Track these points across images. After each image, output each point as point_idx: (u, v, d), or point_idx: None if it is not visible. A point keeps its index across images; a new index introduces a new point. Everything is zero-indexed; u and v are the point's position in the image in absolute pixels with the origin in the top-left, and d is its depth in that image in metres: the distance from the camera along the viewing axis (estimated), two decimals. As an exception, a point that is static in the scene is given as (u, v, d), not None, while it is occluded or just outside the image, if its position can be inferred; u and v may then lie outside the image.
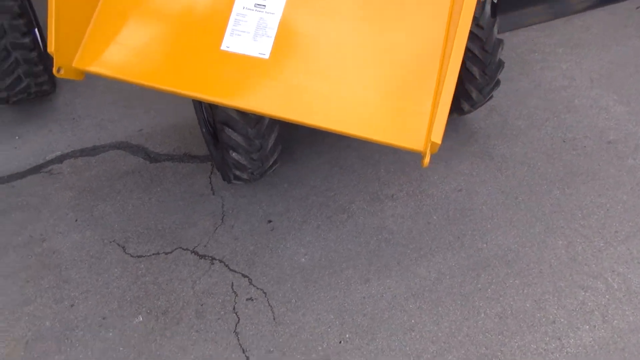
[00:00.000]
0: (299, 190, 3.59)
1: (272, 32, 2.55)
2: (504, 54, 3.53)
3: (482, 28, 3.40)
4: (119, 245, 3.28)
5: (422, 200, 3.52)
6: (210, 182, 3.63)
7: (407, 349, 2.80)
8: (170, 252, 3.24)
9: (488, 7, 3.46)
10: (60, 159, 3.80)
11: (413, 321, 2.92)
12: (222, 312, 2.96)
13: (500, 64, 3.56)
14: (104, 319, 2.94)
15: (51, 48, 2.45)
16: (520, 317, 2.90)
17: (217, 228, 3.37)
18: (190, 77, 2.56)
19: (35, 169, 3.74)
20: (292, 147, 3.84)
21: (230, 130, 3.02)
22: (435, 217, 3.43)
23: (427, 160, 2.27)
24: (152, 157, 3.81)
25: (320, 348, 2.82)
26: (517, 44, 4.78)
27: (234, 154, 3.12)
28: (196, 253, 3.24)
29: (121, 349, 2.82)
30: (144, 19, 2.69)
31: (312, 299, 3.02)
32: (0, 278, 3.13)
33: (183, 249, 3.26)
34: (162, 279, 3.11)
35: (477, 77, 3.50)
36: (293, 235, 3.33)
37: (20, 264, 3.19)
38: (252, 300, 3.02)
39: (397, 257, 3.21)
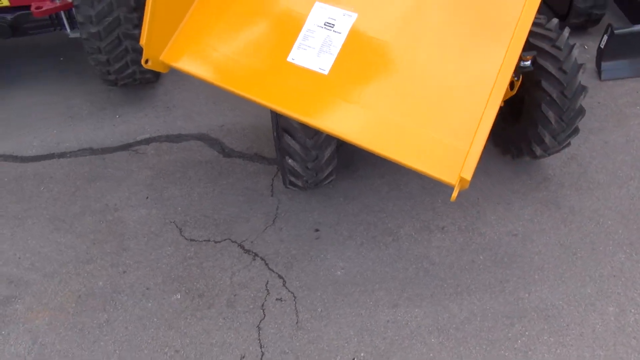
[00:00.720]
0: (353, 206, 3.66)
1: (336, 50, 2.68)
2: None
3: (564, 72, 3.28)
4: (177, 226, 3.56)
5: (472, 237, 3.45)
6: (272, 184, 3.82)
7: (418, 381, 2.77)
8: (220, 242, 3.46)
9: (575, 52, 3.33)
10: (147, 141, 4.20)
11: (431, 355, 2.88)
12: (251, 306, 3.12)
13: (581, 112, 3.40)
14: (147, 289, 3.22)
15: (142, 41, 2.76)
16: (546, 376, 2.76)
17: (267, 227, 3.54)
18: (257, 83, 2.75)
19: (125, 147, 4.16)
20: (356, 164, 3.93)
21: (289, 137, 3.18)
22: (481, 257, 3.34)
23: (455, 194, 2.26)
24: (226, 152, 4.08)
25: (332, 360, 2.88)
26: (620, 95, 4.49)
27: (290, 161, 3.28)
28: (242, 247, 3.43)
29: (155, 319, 3.07)
30: (227, 25, 2.93)
31: (337, 312, 3.08)
32: (74, 235, 3.53)
33: (232, 240, 3.47)
34: (206, 265, 3.33)
35: (553, 122, 3.37)
36: (335, 247, 3.41)
37: (93, 227, 3.58)
38: (281, 301, 3.15)
39: (431, 288, 3.18)
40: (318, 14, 2.78)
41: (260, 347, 2.94)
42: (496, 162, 3.91)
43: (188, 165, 3.99)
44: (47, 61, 5.05)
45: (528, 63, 3.30)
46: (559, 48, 3.31)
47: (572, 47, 3.34)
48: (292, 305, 3.12)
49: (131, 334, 3.01)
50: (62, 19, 4.32)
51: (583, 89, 3.35)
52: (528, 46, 3.37)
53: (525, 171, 3.85)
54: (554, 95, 3.31)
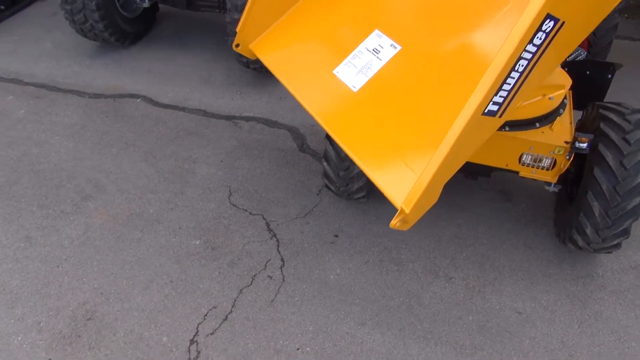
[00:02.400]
0: (379, 228, 3.82)
1: (371, 73, 2.94)
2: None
3: (624, 168, 3.05)
4: (229, 190, 4.10)
5: (473, 298, 3.38)
6: (322, 186, 4.14)
7: (339, 392, 2.89)
8: (253, 215, 3.91)
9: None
10: (247, 119, 4.84)
11: (365, 378, 2.96)
12: (245, 273, 3.50)
13: (633, 215, 3.12)
14: (179, 228, 3.80)
15: (238, 27, 3.33)
16: None
17: (297, 217, 3.89)
18: (306, 87, 3.14)
19: (229, 117, 4.85)
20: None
21: (328, 143, 3.50)
22: (470, 318, 3.26)
23: (393, 221, 2.36)
24: (303, 148, 4.52)
25: (280, 343, 3.13)
26: None
27: (325, 164, 3.59)
28: (268, 225, 3.83)
29: (171, 252, 3.63)
30: (307, 33, 3.35)
31: (309, 307, 3.31)
32: (155, 170, 4.28)
33: (263, 217, 3.89)
34: (232, 227, 3.81)
35: (597, 215, 3.15)
36: (342, 256, 3.62)
37: (171, 168, 4.30)
38: (271, 279, 3.47)
39: (404, 324, 3.22)
40: (372, 39, 3.06)
41: (232, 306, 3.31)
42: (544, 241, 3.72)
43: (267, 147, 4.51)
44: (212, 37, 6.02)
45: (584, 145, 3.16)
46: (627, 142, 3.08)
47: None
48: (277, 286, 3.43)
49: (148, 255, 3.61)
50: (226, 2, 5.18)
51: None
52: (596, 128, 3.21)
53: (572, 261, 3.60)
54: (604, 187, 3.09)
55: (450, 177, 2.44)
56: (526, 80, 2.32)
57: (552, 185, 3.47)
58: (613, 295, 3.40)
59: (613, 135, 3.13)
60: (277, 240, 3.73)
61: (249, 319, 3.25)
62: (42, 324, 3.21)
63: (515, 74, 2.25)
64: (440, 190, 2.41)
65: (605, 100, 3.66)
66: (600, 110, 3.31)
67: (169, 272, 3.51)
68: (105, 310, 3.29)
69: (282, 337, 3.16)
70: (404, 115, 2.66)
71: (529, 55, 2.23)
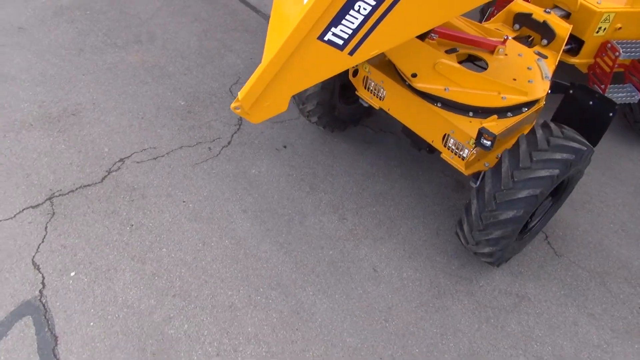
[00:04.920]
0: (326, 158, 4.14)
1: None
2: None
3: (513, 180, 2.99)
4: (237, 78, 4.71)
5: (347, 241, 3.60)
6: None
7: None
8: (238, 104, 4.48)
9: (543, 172, 2.95)
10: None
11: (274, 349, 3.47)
12: (194, 137, 4.14)
13: (502, 226, 3.05)
14: (179, 88, 4.54)
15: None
16: None
17: (268, 120, 4.37)
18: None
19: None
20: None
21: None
22: (329, 252, 3.52)
23: (232, 104, 2.73)
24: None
25: (173, 193, 3.74)
26: None
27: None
28: (240, 118, 4.38)
29: (159, 100, 4.40)
30: None
31: (215, 182, 3.85)
32: (198, 48, 5.05)
33: (243, 109, 4.44)
34: (215, 105, 4.43)
35: (472, 214, 3.15)
36: (274, 162, 4.05)
37: (210, 48, 5.03)
38: (209, 150, 4.07)
39: (274, 228, 3.61)
40: None
41: (166, 153, 3.98)
42: (456, 237, 3.74)
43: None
44: None
45: (488, 143, 3.13)
46: (530, 158, 2.99)
47: (543, 163, 2.97)
48: (207, 157, 4.01)
49: (141, 95, 4.43)
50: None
51: (520, 208, 2.98)
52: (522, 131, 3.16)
53: (463, 261, 3.59)
54: (486, 189, 3.07)
55: (293, 89, 2.74)
56: (374, 30, 2.52)
57: (471, 180, 3.47)
58: (466, 296, 3.38)
59: (523, 146, 3.06)
60: (239, 128, 4.28)
61: (170, 167, 3.90)
62: (45, 102, 4.24)
63: (357, 15, 2.47)
64: (284, 100, 2.74)
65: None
66: (548, 122, 3.23)
67: (146, 111, 4.29)
68: (86, 114, 4.20)
69: (180, 191, 3.76)
70: (278, 34, 2.89)
71: (371, 1, 2.42)
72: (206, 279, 3.27)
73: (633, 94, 4.26)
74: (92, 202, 3.58)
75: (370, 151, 4.24)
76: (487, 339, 3.21)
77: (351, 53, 2.61)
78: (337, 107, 4.00)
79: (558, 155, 3.00)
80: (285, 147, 4.19)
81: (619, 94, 4.24)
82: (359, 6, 2.44)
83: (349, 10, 2.44)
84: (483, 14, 4.93)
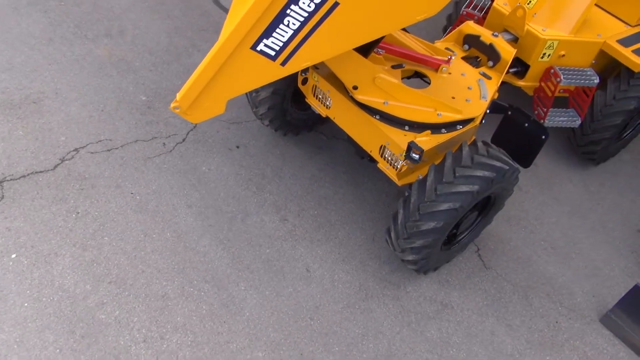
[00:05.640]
0: (276, 160, 4.30)
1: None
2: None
3: (436, 194, 3.17)
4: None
5: (286, 241, 3.76)
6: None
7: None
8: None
9: (463, 188, 3.13)
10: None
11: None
12: (151, 132, 4.29)
13: (425, 237, 3.23)
14: (142, 84, 4.69)
15: None
16: None
17: (225, 121, 4.52)
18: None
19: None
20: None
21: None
22: (266, 250, 3.68)
23: (172, 104, 2.89)
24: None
25: (123, 184, 3.89)
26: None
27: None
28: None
29: (121, 94, 4.55)
30: None
31: (165, 177, 4.00)
32: (168, 45, 5.20)
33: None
34: (175, 102, 4.58)
35: (399, 222, 3.33)
36: (226, 161, 4.20)
37: (180, 46, 5.18)
38: (163, 145, 4.22)
39: (216, 224, 3.77)
40: None
41: (121, 146, 4.13)
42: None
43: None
44: None
45: (416, 157, 3.29)
46: (453, 173, 3.17)
47: (465, 179, 3.15)
48: (161, 153, 4.16)
49: (104, 86, 4.57)
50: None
51: (440, 220, 3.16)
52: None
53: (394, 268, 3.77)
54: (411, 200, 3.25)
55: (229, 94, 2.88)
56: (305, 43, 2.69)
57: (406, 190, 3.64)
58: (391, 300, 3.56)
59: (449, 162, 3.24)
60: (195, 126, 4.43)
61: (123, 159, 4.05)
62: (8, 89, 4.37)
63: (286, 29, 2.63)
64: (222, 103, 2.89)
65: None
66: (476, 140, 3.41)
67: (107, 104, 4.43)
68: (47, 103, 4.34)
69: (129, 183, 3.90)
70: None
71: (299, 17, 2.58)
72: (143, 269, 3.42)
73: (574, 118, 4.45)
74: (42, 188, 3.72)
75: (320, 156, 4.41)
76: (406, 342, 3.38)
77: (283, 64, 2.78)
78: (289, 111, 4.16)
79: (480, 173, 3.18)
80: (238, 147, 4.35)
81: (560, 118, 4.43)
82: (288, 21, 2.60)
83: (279, 24, 2.60)
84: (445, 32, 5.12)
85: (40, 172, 3.82)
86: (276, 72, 2.84)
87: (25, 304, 3.12)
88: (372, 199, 4.19)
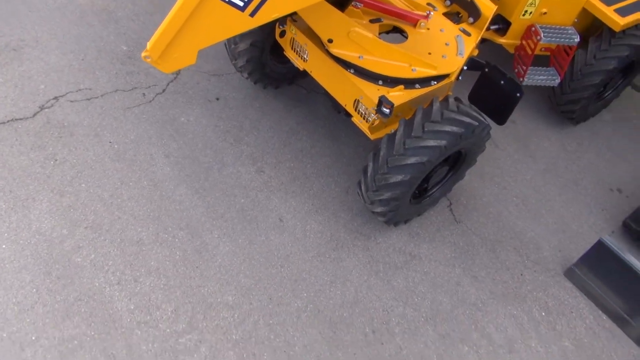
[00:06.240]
0: (255, 113, 4.34)
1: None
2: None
3: (404, 147, 3.23)
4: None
5: (261, 192, 3.85)
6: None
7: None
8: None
9: (431, 142, 3.18)
10: None
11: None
12: (131, 82, 4.31)
13: (392, 189, 3.31)
14: (124, 34, 4.68)
15: None
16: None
17: (206, 73, 4.54)
18: None
19: None
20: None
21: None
22: (241, 200, 3.77)
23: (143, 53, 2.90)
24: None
25: (101, 133, 3.95)
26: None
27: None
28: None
29: (102, 44, 4.54)
30: None
31: (142, 127, 4.05)
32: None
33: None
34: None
35: (368, 174, 3.40)
36: (205, 112, 4.24)
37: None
38: (143, 96, 4.25)
39: (192, 174, 3.85)
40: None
41: (101, 95, 4.16)
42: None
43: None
44: None
45: (387, 111, 3.33)
46: (422, 128, 3.22)
47: (433, 134, 3.20)
48: (140, 103, 4.19)
49: (87, 38, 4.57)
50: None
51: (408, 173, 3.23)
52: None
53: (369, 222, 3.87)
54: (380, 154, 3.32)
55: (199, 44, 2.89)
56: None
57: (380, 144, 3.70)
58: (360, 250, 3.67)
59: (418, 117, 3.28)
60: (175, 77, 4.44)
61: (102, 109, 4.09)
62: (-12, 36, 4.38)
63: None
64: (192, 54, 2.91)
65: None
66: (449, 96, 3.45)
67: (87, 53, 4.44)
68: (27, 51, 4.34)
69: (108, 132, 3.96)
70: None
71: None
72: (119, 215, 3.52)
73: (554, 77, 4.46)
74: (20, 135, 3.78)
75: (299, 110, 4.45)
76: (372, 290, 3.51)
77: (252, 14, 2.78)
78: (268, 64, 4.17)
79: (448, 128, 3.23)
80: (217, 99, 4.38)
81: (540, 77, 4.44)
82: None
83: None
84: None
85: (20, 119, 3.87)
86: (245, 22, 2.84)
87: (3, 246, 3.22)
88: (349, 153, 4.25)
